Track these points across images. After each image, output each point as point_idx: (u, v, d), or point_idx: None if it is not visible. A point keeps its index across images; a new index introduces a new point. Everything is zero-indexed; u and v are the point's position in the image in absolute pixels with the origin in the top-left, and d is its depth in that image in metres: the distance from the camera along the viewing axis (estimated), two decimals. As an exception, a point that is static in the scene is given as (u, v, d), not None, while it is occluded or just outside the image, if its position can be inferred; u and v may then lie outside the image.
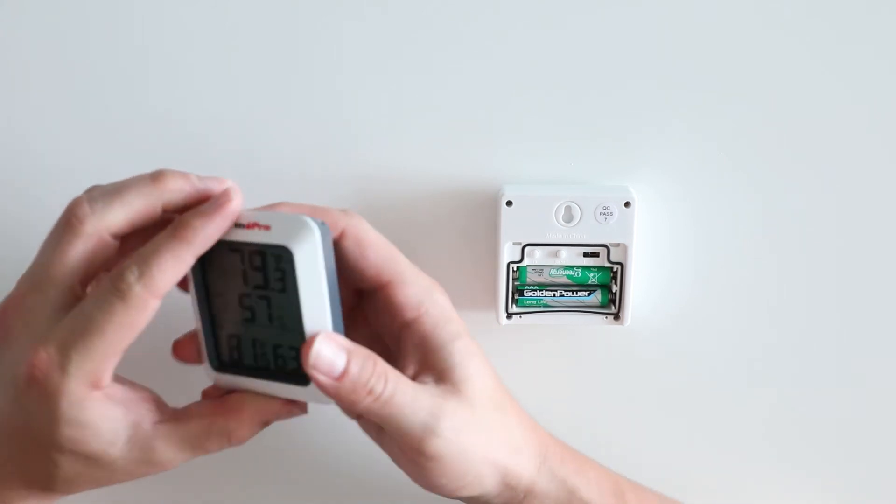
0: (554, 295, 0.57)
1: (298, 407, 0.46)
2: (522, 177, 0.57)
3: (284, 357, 0.45)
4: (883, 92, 0.55)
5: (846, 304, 0.59)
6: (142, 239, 0.43)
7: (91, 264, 0.43)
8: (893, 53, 0.55)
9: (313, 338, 0.43)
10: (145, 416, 0.44)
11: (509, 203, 0.55)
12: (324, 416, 0.52)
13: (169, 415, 0.45)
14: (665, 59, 0.55)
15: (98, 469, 0.44)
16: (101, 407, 0.43)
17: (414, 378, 0.46)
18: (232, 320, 0.46)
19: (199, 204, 0.43)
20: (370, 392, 0.44)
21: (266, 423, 0.46)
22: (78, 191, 0.44)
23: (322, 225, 0.43)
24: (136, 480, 0.46)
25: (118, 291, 0.41)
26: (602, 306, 0.57)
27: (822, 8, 0.54)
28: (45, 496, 0.47)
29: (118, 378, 0.45)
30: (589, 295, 0.57)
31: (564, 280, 0.57)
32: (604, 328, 0.59)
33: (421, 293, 0.47)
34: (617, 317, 0.57)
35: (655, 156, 0.56)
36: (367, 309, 0.49)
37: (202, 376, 0.47)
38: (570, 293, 0.57)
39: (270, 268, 0.44)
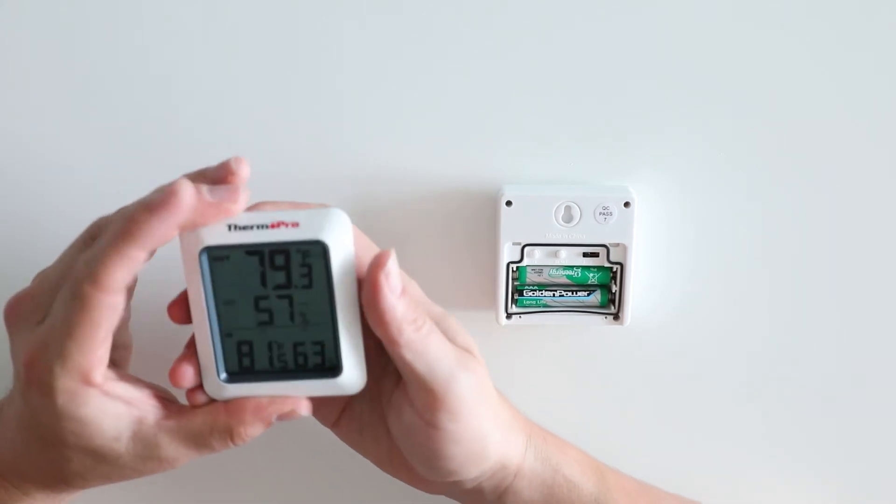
0: (554, 295, 0.57)
1: (302, 407, 0.46)
2: (522, 177, 0.57)
3: (306, 354, 0.45)
4: (882, 93, 0.55)
5: (845, 303, 0.59)
6: None
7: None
8: (892, 55, 0.55)
9: (387, 254, 0.44)
10: (150, 412, 0.45)
11: (509, 203, 0.55)
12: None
13: (174, 411, 0.45)
14: (665, 60, 0.55)
15: (106, 465, 0.45)
16: (99, 402, 0.43)
17: None
18: (243, 327, 0.45)
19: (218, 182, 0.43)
20: (414, 322, 0.44)
21: (268, 423, 0.46)
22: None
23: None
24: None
25: (72, 292, 0.41)
26: (602, 306, 0.57)
27: (821, 9, 0.54)
28: (61, 489, 0.47)
29: (123, 375, 0.45)
30: (589, 295, 0.57)
31: (564, 280, 0.57)
32: (604, 328, 0.59)
33: (403, 280, 0.48)
34: (617, 317, 0.57)
35: (655, 156, 0.56)
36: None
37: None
38: (569, 293, 0.57)
39: (295, 265, 0.44)
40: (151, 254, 0.42)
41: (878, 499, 0.63)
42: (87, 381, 0.42)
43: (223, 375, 0.45)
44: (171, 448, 0.45)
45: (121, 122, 0.56)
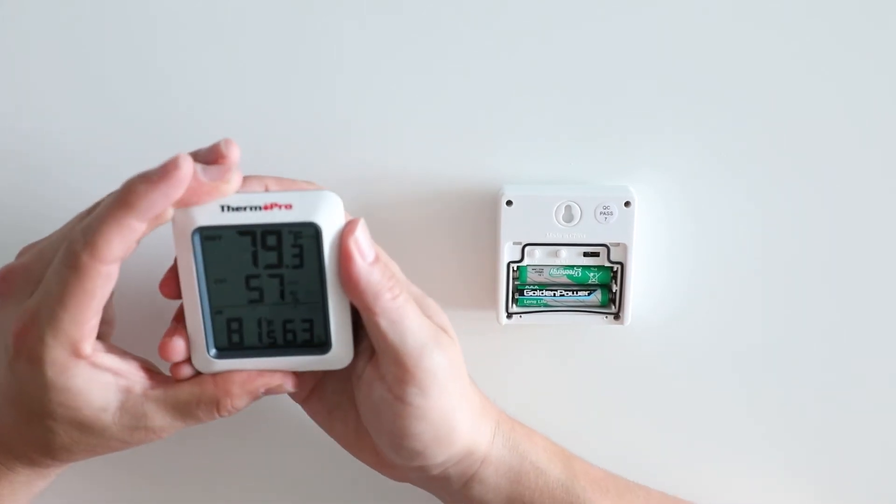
0: (554, 294, 0.57)
1: (288, 380, 0.47)
2: (522, 177, 0.57)
3: (295, 331, 0.47)
4: (881, 94, 0.55)
5: (844, 302, 0.59)
6: None
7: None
8: (892, 56, 0.55)
9: (356, 221, 0.45)
10: (137, 382, 0.45)
11: (509, 203, 0.55)
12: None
13: (161, 382, 0.46)
14: (665, 60, 0.55)
15: (92, 436, 0.45)
16: (87, 373, 0.43)
17: None
18: (234, 304, 0.46)
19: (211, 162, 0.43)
20: (391, 290, 0.45)
21: (254, 396, 0.47)
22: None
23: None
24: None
25: (68, 262, 0.41)
26: (602, 306, 0.57)
27: (821, 9, 0.54)
28: (46, 463, 0.48)
29: (110, 347, 0.46)
30: (589, 294, 0.57)
31: (564, 280, 0.57)
32: (604, 328, 0.59)
33: (384, 258, 0.49)
34: (617, 316, 0.57)
35: (655, 156, 0.56)
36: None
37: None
38: (570, 293, 0.57)
39: (286, 245, 0.45)
40: (147, 231, 0.42)
41: (877, 498, 0.63)
42: (76, 352, 0.43)
43: (212, 351, 0.47)
44: (157, 418, 0.45)
45: (120, 123, 0.56)
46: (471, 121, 0.56)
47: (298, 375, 0.49)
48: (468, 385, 0.50)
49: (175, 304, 0.47)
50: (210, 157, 0.43)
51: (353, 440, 0.51)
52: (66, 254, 0.42)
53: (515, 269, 0.56)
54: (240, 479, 0.63)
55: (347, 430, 0.51)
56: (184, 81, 0.55)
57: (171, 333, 0.46)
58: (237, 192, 0.44)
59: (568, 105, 0.56)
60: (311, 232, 0.45)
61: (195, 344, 0.46)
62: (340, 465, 0.60)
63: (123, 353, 0.46)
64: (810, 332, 0.60)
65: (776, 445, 0.62)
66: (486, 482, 0.50)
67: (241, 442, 0.62)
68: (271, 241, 0.45)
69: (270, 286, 0.46)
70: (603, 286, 0.57)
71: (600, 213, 0.55)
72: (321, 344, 0.47)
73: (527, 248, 0.56)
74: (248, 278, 0.46)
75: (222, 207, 0.44)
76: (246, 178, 0.46)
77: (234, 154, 0.43)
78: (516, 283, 0.57)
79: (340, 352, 0.48)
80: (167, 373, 0.47)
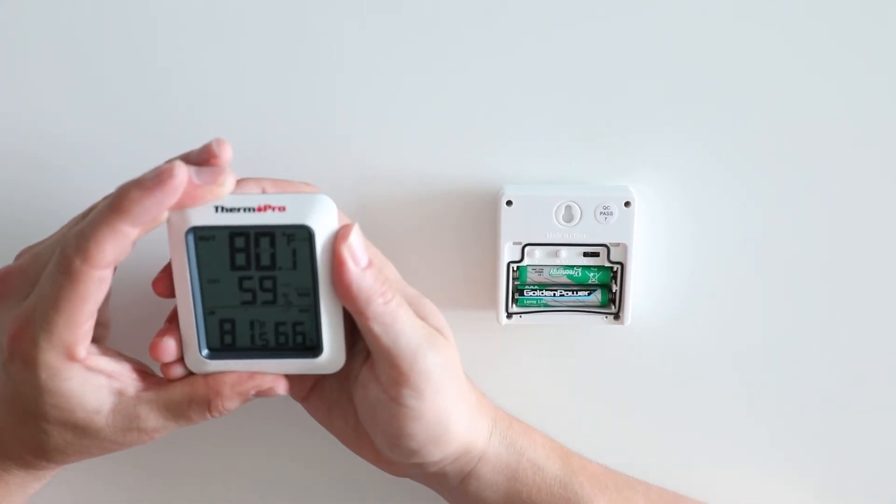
0: (554, 295, 0.57)
1: (280, 385, 0.47)
2: (522, 177, 0.57)
3: (287, 333, 0.47)
4: (881, 95, 0.55)
5: (844, 302, 0.59)
6: None
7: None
8: (892, 57, 0.55)
9: (350, 227, 0.45)
10: (129, 384, 0.46)
11: (509, 203, 0.55)
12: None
13: (154, 383, 0.47)
14: (665, 60, 0.55)
15: (86, 438, 0.45)
16: (81, 376, 0.44)
17: None
18: (227, 305, 0.46)
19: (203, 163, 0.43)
20: (383, 294, 0.45)
21: (246, 398, 0.47)
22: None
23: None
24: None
25: (61, 266, 0.42)
26: (602, 306, 0.57)
27: (821, 10, 0.54)
28: (41, 465, 0.48)
29: (104, 349, 0.46)
30: (589, 295, 0.57)
31: (564, 280, 0.57)
32: (604, 328, 0.59)
33: (379, 261, 0.49)
34: (617, 316, 0.57)
35: (655, 156, 0.56)
36: None
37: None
38: (570, 293, 0.57)
39: (280, 247, 0.45)
40: (140, 234, 0.42)
41: (877, 498, 0.63)
42: (70, 355, 0.43)
43: (205, 351, 0.47)
44: (150, 419, 0.45)
45: (120, 123, 0.56)
46: (471, 121, 0.56)
47: (296, 376, 0.49)
48: (464, 385, 0.50)
49: (169, 304, 0.47)
50: (202, 157, 0.43)
51: (353, 437, 0.51)
52: (59, 258, 0.42)
53: (515, 269, 0.56)
54: (239, 478, 0.63)
55: (347, 427, 0.51)
56: (184, 81, 0.55)
57: (162, 334, 0.47)
58: (232, 193, 0.44)
59: (568, 105, 0.56)
60: (304, 235, 0.45)
61: (188, 344, 0.47)
62: (340, 464, 0.61)
63: (117, 355, 0.46)
64: (810, 332, 0.60)
65: (776, 445, 0.62)
66: (483, 479, 0.51)
67: (241, 441, 0.62)
68: (265, 242, 0.45)
69: (263, 288, 0.46)
70: (603, 286, 0.57)
71: (600, 213, 0.55)
72: (313, 347, 0.48)
73: (527, 248, 0.56)
74: (241, 279, 0.46)
75: (216, 208, 0.44)
76: (243, 180, 0.46)
77: (227, 154, 0.43)
78: (516, 283, 0.57)
79: (332, 356, 0.48)
80: (160, 374, 0.47)
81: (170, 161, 0.42)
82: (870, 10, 0.54)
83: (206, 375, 0.46)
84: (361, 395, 0.49)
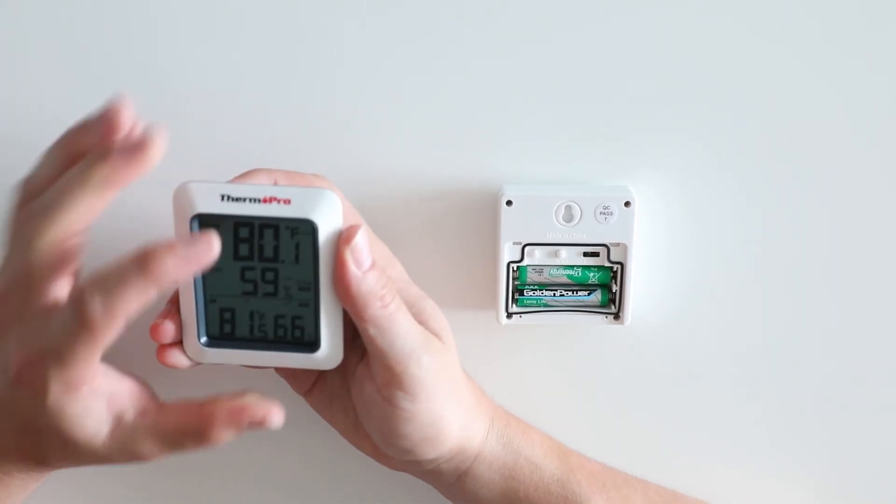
0: (554, 295, 0.57)
1: (275, 417, 0.45)
2: (522, 177, 0.57)
3: (286, 326, 0.47)
4: (881, 95, 0.55)
5: (844, 302, 0.59)
6: None
7: (69, 262, 0.43)
8: (891, 58, 0.55)
9: (355, 228, 0.45)
10: (128, 409, 0.45)
11: (509, 203, 0.55)
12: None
13: (152, 409, 0.46)
14: (665, 60, 0.55)
15: (83, 456, 0.46)
16: (84, 402, 0.44)
17: None
18: (228, 294, 0.47)
19: None
20: (381, 298, 0.45)
21: (240, 429, 0.46)
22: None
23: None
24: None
25: (81, 318, 0.41)
26: (602, 306, 0.57)
27: (820, 11, 0.54)
28: (41, 469, 0.48)
29: (106, 369, 0.46)
30: (589, 294, 0.57)
31: (564, 280, 0.57)
32: (604, 328, 0.59)
33: (385, 259, 0.50)
34: (617, 316, 0.57)
35: (655, 156, 0.56)
36: None
37: (193, 373, 0.48)
38: (570, 293, 0.57)
39: (284, 240, 0.45)
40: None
41: (878, 499, 0.63)
42: (76, 387, 0.43)
43: (203, 339, 0.47)
44: (145, 447, 0.45)
45: (121, 123, 0.56)
46: (471, 121, 0.56)
47: (299, 371, 0.50)
48: (461, 386, 0.50)
49: (169, 293, 0.48)
50: (101, 129, 0.43)
51: (353, 431, 0.52)
52: (77, 309, 0.41)
53: (515, 269, 0.56)
54: (237, 477, 0.63)
55: (347, 421, 0.52)
56: (184, 81, 0.55)
57: (163, 316, 0.47)
58: (242, 183, 0.45)
59: (568, 105, 0.56)
60: (307, 229, 0.45)
61: (187, 330, 0.47)
62: (339, 463, 0.61)
63: (120, 375, 0.46)
64: (810, 332, 0.59)
65: (776, 445, 0.62)
66: (480, 478, 0.51)
67: (240, 438, 0.62)
68: (268, 234, 0.45)
69: (265, 280, 0.47)
70: (603, 286, 0.57)
71: (600, 213, 0.55)
72: (310, 343, 0.48)
73: (527, 248, 0.56)
74: (243, 270, 0.46)
75: (222, 196, 0.45)
76: (256, 171, 0.47)
77: (126, 116, 0.42)
78: (516, 283, 0.57)
79: (329, 352, 0.48)
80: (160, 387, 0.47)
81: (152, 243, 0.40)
82: (869, 11, 0.54)
83: (201, 406, 0.45)
84: (358, 392, 0.49)
